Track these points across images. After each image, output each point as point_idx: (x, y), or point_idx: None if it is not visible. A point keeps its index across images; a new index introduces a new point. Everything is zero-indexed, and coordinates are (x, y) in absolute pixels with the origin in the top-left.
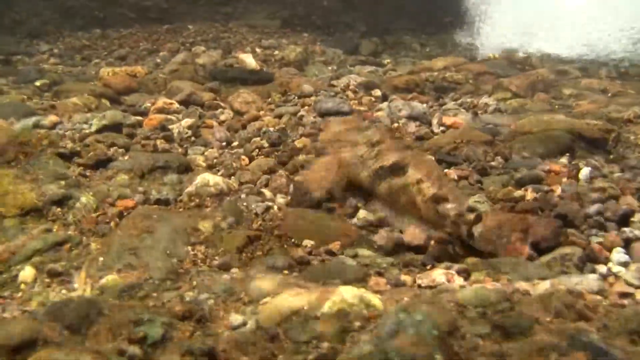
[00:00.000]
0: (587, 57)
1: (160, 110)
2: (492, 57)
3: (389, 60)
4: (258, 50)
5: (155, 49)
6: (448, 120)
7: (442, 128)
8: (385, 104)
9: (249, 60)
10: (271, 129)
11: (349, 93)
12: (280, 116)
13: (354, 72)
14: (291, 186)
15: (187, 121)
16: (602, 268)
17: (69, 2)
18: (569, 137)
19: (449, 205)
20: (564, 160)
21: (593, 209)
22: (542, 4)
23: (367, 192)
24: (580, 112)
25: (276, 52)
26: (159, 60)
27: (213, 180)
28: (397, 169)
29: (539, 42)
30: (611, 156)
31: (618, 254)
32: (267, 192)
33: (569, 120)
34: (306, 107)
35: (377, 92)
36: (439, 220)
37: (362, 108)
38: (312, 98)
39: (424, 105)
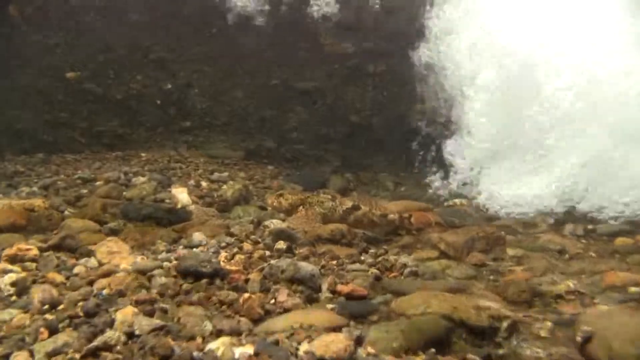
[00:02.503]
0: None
1: (12, 259)
2: (458, 204)
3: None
4: (204, 184)
5: (93, 178)
6: (343, 287)
7: (328, 295)
8: (269, 263)
9: (182, 197)
10: (104, 291)
11: (245, 244)
12: (141, 272)
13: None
14: None
15: (12, 275)
16: None
17: (17, 124)
18: (444, 326)
19: (391, 215)
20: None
21: None
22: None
23: None
24: (505, 282)
25: (224, 186)
26: (84, 191)
27: None
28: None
29: (524, 187)
30: (500, 351)
31: None
32: None
33: (454, 301)
34: (173, 263)
35: (282, 245)
36: (389, 224)
37: (234, 268)
38: (200, 249)
39: (315, 266)
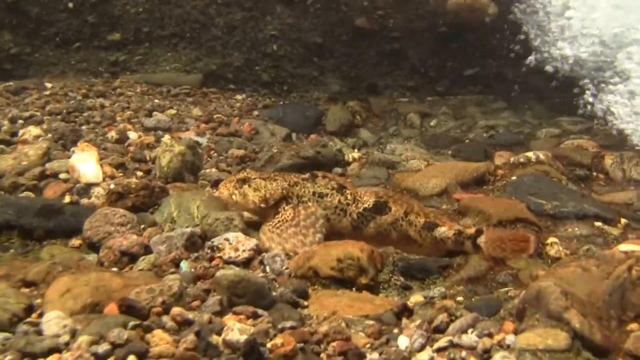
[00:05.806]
0: None
1: None
2: (532, 160)
3: (356, 156)
4: (133, 135)
5: None
6: None
7: None
8: None
9: (86, 168)
10: None
11: (157, 337)
12: None
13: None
14: None
15: None
16: None
17: None
18: None
19: (443, 228)
20: None
21: None
22: None
23: None
24: None
25: (166, 137)
26: None
27: None
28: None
29: None
30: None
31: None
32: None
33: None
34: None
35: (237, 335)
36: (437, 244)
37: None
38: None
39: None
